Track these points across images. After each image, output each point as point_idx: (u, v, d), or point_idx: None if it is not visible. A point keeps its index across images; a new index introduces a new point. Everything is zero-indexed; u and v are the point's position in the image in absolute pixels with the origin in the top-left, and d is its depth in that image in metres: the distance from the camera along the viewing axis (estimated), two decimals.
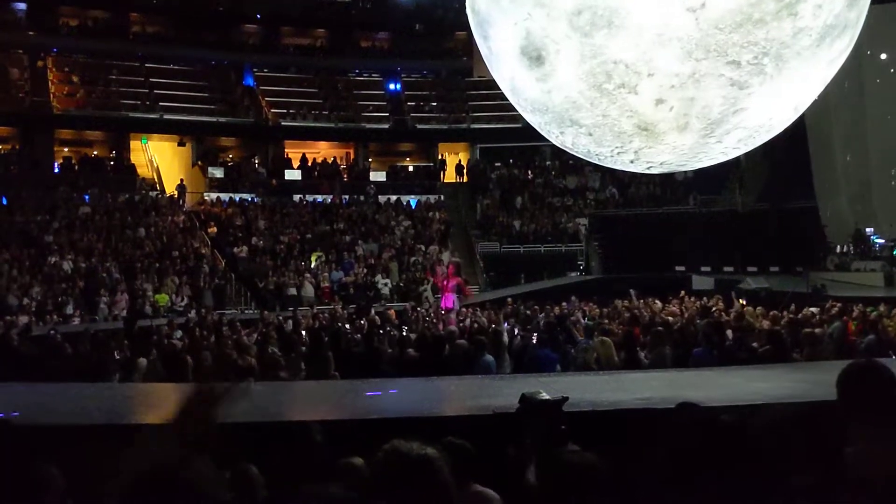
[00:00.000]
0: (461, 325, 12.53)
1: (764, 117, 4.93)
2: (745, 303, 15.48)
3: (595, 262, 27.29)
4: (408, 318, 14.41)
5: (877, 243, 24.62)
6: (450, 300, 16.53)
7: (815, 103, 5.34)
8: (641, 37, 4.38)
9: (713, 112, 4.71)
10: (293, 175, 33.06)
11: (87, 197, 27.79)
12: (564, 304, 15.65)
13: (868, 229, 25.09)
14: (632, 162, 5.26)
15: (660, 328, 9.40)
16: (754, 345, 8.52)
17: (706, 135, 4.89)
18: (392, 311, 15.32)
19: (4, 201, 26.11)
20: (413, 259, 26.68)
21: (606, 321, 12.26)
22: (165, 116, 31.88)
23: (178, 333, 12.47)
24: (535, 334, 10.83)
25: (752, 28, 4.32)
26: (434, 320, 13.50)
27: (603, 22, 4.41)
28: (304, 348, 8.98)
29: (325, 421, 4.95)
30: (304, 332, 11.59)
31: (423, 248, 27.70)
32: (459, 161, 35.84)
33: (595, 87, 4.69)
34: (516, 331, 11.75)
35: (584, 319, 13.06)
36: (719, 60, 4.42)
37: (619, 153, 5.16)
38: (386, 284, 24.49)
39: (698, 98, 4.60)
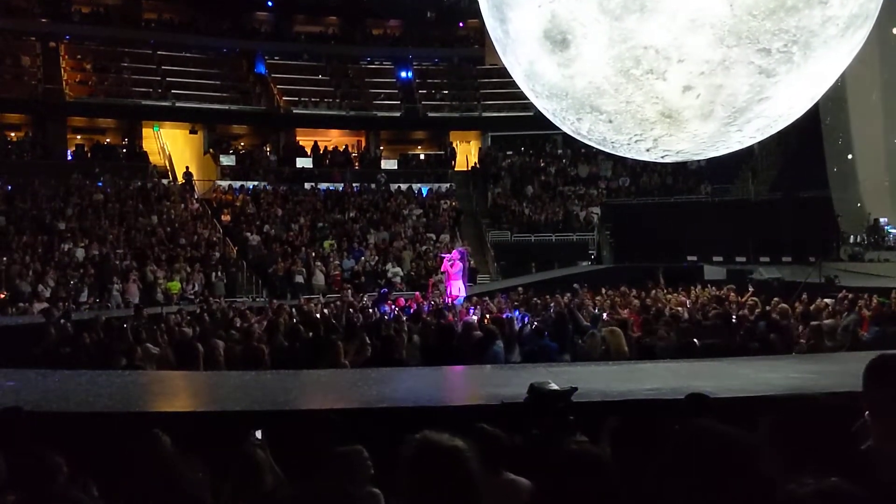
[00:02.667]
0: (469, 314, 12.52)
1: (785, 106, 4.89)
2: (751, 290, 15.43)
3: (606, 251, 27.21)
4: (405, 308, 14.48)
5: (891, 234, 24.43)
6: (455, 287, 16.39)
7: (828, 91, 5.30)
8: (674, 21, 4.33)
9: (738, 100, 4.67)
10: (304, 163, 33.08)
11: (100, 184, 27.99)
12: (569, 294, 15.60)
13: (882, 219, 24.90)
14: (648, 150, 5.21)
15: (666, 318, 9.38)
16: (772, 336, 8.50)
17: (728, 123, 4.85)
18: (400, 300, 15.34)
19: (14, 189, 26.32)
20: (424, 248, 26.85)
21: (613, 311, 12.23)
22: (177, 104, 31.93)
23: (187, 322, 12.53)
24: (536, 323, 10.82)
25: (784, 15, 4.29)
26: (440, 308, 13.47)
27: (636, 5, 4.35)
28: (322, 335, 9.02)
29: (333, 410, 4.99)
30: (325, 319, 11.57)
31: (433, 236, 27.84)
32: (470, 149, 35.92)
33: (622, 72, 4.64)
34: (526, 319, 11.75)
35: (594, 309, 13.04)
36: (750, 48, 4.38)
37: (637, 141, 5.11)
38: (397, 273, 24.63)
39: (726, 86, 4.56)
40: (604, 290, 17.15)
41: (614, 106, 4.84)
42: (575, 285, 17.11)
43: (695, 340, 8.52)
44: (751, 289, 16.00)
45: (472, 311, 13.19)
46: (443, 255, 18.12)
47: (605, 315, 11.20)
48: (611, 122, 4.99)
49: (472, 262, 21.36)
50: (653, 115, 4.81)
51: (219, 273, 22.92)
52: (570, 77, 4.88)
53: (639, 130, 4.94)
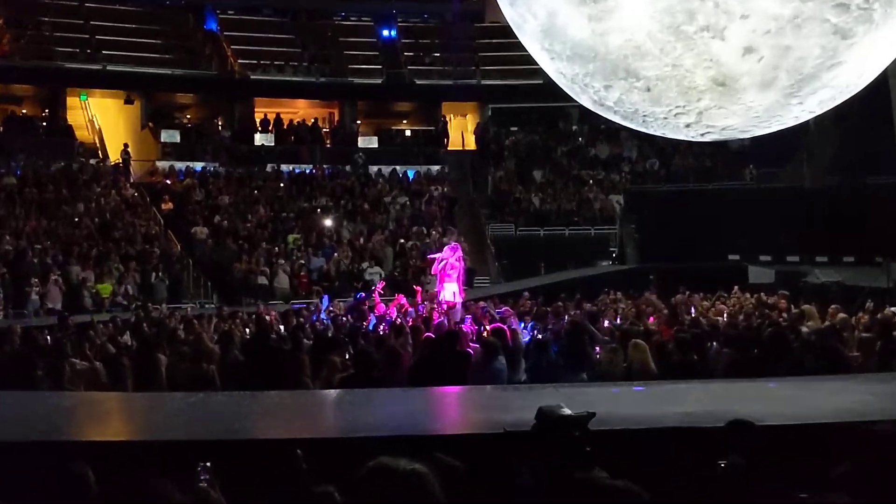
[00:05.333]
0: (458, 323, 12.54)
1: (854, 74, 4.88)
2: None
3: (631, 248, 27.19)
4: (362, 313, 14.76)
5: None
6: (448, 292, 16.34)
7: None
8: None
9: (807, 65, 4.64)
10: (264, 140, 32.98)
11: (14, 165, 27.73)
12: (587, 304, 15.62)
13: None
14: (688, 126, 5.17)
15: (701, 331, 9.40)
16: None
17: (790, 94, 4.82)
18: (379, 307, 15.32)
19: None
20: (410, 244, 26.83)
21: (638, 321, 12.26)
22: (109, 68, 31.72)
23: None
24: (548, 334, 10.81)
25: None
26: (429, 316, 13.45)
27: None
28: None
29: (299, 440, 4.98)
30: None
31: (423, 230, 27.82)
32: (467, 125, 35.89)
33: (670, 28, 4.58)
34: (535, 331, 11.79)
35: (616, 319, 13.05)
36: (826, 2, 4.34)
37: (677, 115, 5.05)
38: (377, 273, 24.60)
39: (794, 48, 4.53)
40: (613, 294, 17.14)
41: (656, 70, 4.78)
42: (610, 292, 17.05)
43: (736, 356, 8.56)
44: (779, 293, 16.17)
45: (468, 320, 13.21)
46: (432, 256, 18.06)
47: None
48: (648, 90, 4.94)
49: (468, 262, 21.32)
50: (702, 83, 4.76)
51: (159, 274, 22.83)
52: (602, 34, 4.80)
53: (682, 101, 4.90)
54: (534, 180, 31.59)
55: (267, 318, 14.50)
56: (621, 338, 9.75)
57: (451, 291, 16.21)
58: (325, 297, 17.24)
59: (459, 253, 16.94)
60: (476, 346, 9.71)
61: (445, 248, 17.29)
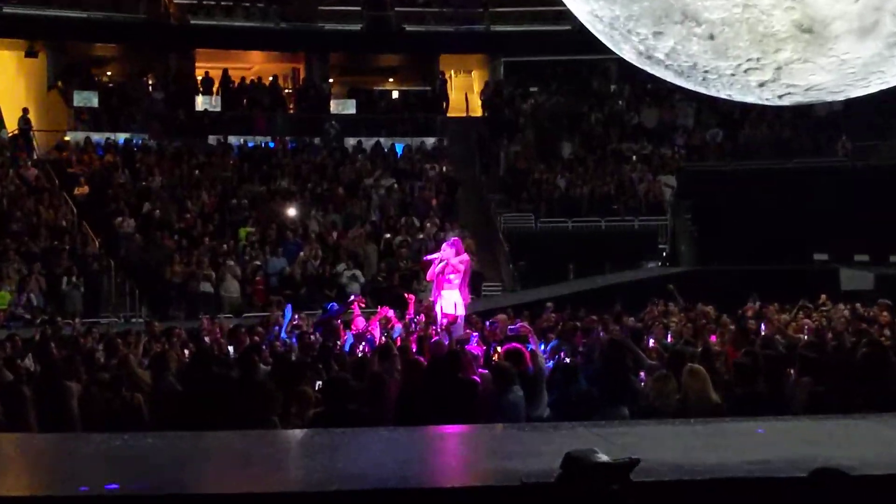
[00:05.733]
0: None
1: None
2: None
3: (686, 245, 27.15)
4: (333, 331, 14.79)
5: None
6: (448, 302, 16.22)
7: None
8: None
9: None
10: (208, 104, 33.04)
11: None
12: (629, 319, 15.59)
13: None
14: (762, 86, 5.17)
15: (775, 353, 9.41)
16: None
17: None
18: (357, 321, 15.29)
19: None
20: (398, 240, 26.76)
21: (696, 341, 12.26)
22: (6, 10, 31.64)
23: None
24: (578, 358, 10.80)
25: None
26: (426, 335, 13.44)
27: None
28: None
29: (258, 495, 4.98)
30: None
31: (415, 221, 27.76)
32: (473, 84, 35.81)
33: None
34: (562, 353, 11.80)
35: (668, 337, 13.06)
36: None
37: (749, 70, 5.05)
38: (354, 277, 24.59)
39: None
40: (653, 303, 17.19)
41: (723, 12, 4.80)
42: (663, 303, 17.15)
43: (822, 386, 8.56)
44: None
45: (474, 338, 13.21)
46: (429, 258, 17.85)
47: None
48: (712, 37, 4.93)
49: (474, 264, 21.28)
50: (783, 29, 4.77)
51: (72, 279, 22.77)
52: None
53: (756, 52, 4.87)
54: (560, 156, 31.51)
55: (207, 336, 14.49)
56: (673, 362, 9.78)
57: (451, 302, 16.10)
58: (289, 307, 17.19)
59: (463, 252, 16.82)
60: (484, 372, 9.73)
61: (444, 244, 17.14)
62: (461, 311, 15.93)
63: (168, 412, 8.49)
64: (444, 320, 15.14)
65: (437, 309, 16.01)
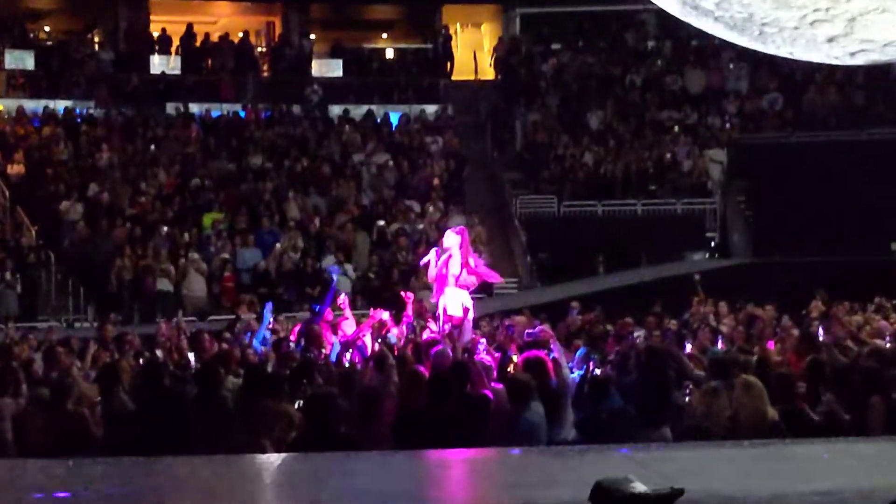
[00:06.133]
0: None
1: None
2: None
3: (739, 232, 27.14)
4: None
5: None
6: (453, 302, 15.96)
7: None
8: None
9: None
10: (165, 65, 33.00)
11: None
12: (671, 321, 15.60)
13: None
14: (831, 41, 5.15)
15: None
16: None
17: None
18: (342, 324, 15.26)
19: None
20: (394, 227, 26.70)
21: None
22: None
23: None
24: (609, 368, 10.83)
25: None
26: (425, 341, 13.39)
27: None
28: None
29: None
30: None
31: (414, 206, 27.74)
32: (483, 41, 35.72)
33: None
34: (590, 363, 11.77)
35: (718, 343, 13.06)
36: None
37: (816, 21, 5.03)
38: (342, 273, 24.33)
39: None
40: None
41: None
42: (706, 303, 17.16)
43: None
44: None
45: (482, 344, 13.17)
46: (425, 260, 17.65)
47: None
48: None
49: (483, 255, 21.23)
50: None
51: (5, 275, 22.76)
52: None
53: (826, 2, 4.83)
54: (587, 127, 31.47)
55: (166, 343, 14.48)
56: (723, 372, 9.77)
57: (456, 301, 15.99)
58: (269, 305, 17.10)
59: (468, 244, 16.62)
60: (498, 386, 9.75)
61: (448, 232, 16.94)
62: (469, 314, 15.81)
63: (120, 433, 8.54)
64: (448, 324, 15.04)
65: (440, 309, 15.91)
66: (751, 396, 8.55)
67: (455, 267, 15.80)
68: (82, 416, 8.62)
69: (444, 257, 15.97)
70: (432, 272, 16.05)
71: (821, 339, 12.77)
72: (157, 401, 9.30)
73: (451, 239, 15.96)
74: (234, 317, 18.63)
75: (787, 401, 8.83)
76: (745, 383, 8.76)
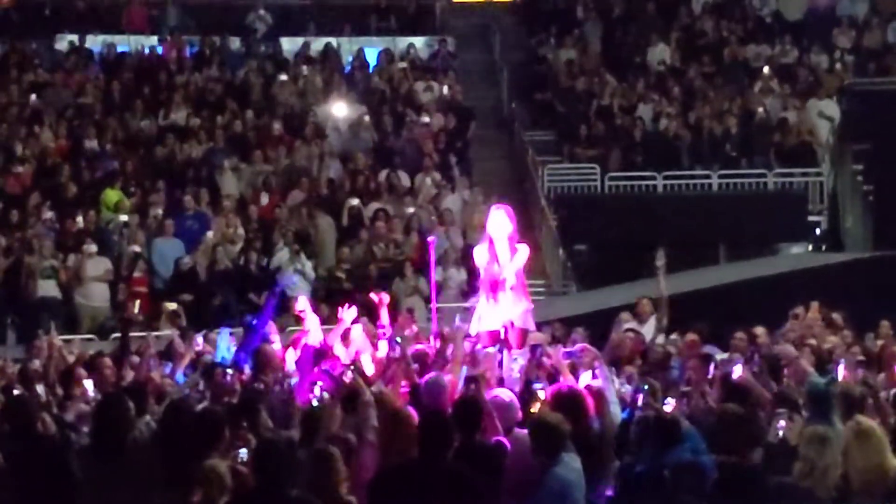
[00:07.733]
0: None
1: None
2: None
3: (855, 216, 27.00)
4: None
5: None
6: (500, 306, 15.82)
7: None
8: None
9: None
10: None
11: None
12: (765, 338, 15.59)
13: None
14: None
15: None
16: None
17: None
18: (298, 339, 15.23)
19: None
20: (373, 207, 26.68)
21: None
22: None
23: None
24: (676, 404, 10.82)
25: None
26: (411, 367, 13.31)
27: None
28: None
29: None
30: None
31: (400, 177, 27.60)
32: None
33: None
34: (645, 399, 11.65)
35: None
36: None
37: None
38: (298, 270, 24.45)
39: None
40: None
41: None
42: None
43: None
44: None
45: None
46: (479, 253, 17.61)
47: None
48: None
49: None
50: None
51: None
52: None
53: None
54: (643, 68, 31.58)
55: (45, 369, 14.48)
56: (826, 412, 9.81)
57: (519, 309, 15.96)
58: (224, 330, 17.21)
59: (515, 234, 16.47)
60: (522, 432, 9.66)
61: (495, 213, 16.83)
62: (528, 324, 15.75)
63: None
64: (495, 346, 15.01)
65: (476, 324, 15.88)
66: (867, 445, 8.52)
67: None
68: None
69: (500, 251, 15.85)
70: (492, 273, 15.87)
71: None
72: (30, 453, 9.33)
73: (502, 224, 15.78)
74: (145, 334, 18.73)
75: None
76: (859, 429, 8.76)
